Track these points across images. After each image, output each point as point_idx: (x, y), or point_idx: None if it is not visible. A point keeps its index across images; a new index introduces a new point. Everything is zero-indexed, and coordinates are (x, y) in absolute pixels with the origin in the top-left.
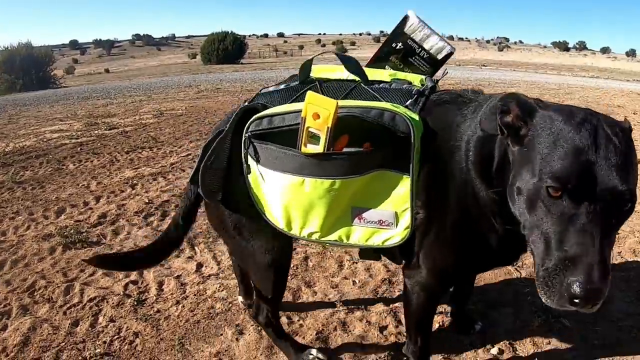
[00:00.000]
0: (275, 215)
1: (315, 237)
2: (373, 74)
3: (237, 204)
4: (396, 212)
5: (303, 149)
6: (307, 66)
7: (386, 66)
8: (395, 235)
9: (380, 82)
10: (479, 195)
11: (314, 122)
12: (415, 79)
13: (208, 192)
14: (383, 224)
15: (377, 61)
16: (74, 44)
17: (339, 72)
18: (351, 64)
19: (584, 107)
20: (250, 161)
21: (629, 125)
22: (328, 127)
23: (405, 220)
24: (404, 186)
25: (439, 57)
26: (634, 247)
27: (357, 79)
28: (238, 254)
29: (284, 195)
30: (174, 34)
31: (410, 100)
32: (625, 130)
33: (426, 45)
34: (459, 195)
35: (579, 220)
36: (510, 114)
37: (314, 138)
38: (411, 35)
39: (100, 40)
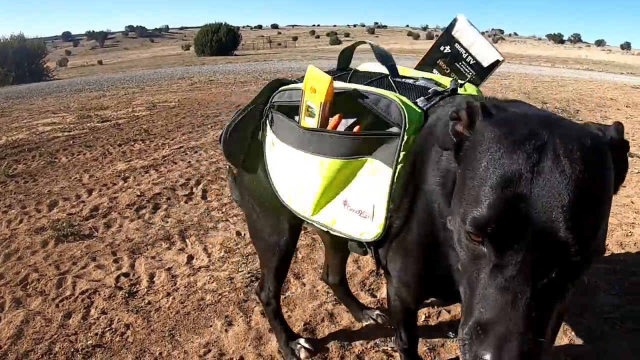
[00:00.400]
0: (280, 189)
1: (307, 214)
2: (407, 72)
3: (255, 172)
4: (374, 205)
5: (302, 123)
6: (346, 54)
7: (433, 70)
8: (371, 229)
9: (407, 77)
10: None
11: (311, 96)
12: (446, 81)
13: (229, 154)
14: (362, 213)
15: (425, 64)
16: (66, 36)
17: (411, 73)
18: (384, 57)
19: (543, 112)
20: (268, 130)
21: (612, 136)
22: (321, 102)
23: (379, 216)
24: (385, 180)
25: (485, 64)
26: (621, 239)
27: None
28: (250, 227)
29: (286, 167)
30: (167, 26)
31: (422, 98)
32: (595, 147)
33: (472, 51)
34: (428, 210)
35: (500, 275)
36: (460, 122)
37: (312, 113)
38: (459, 40)
39: (93, 31)
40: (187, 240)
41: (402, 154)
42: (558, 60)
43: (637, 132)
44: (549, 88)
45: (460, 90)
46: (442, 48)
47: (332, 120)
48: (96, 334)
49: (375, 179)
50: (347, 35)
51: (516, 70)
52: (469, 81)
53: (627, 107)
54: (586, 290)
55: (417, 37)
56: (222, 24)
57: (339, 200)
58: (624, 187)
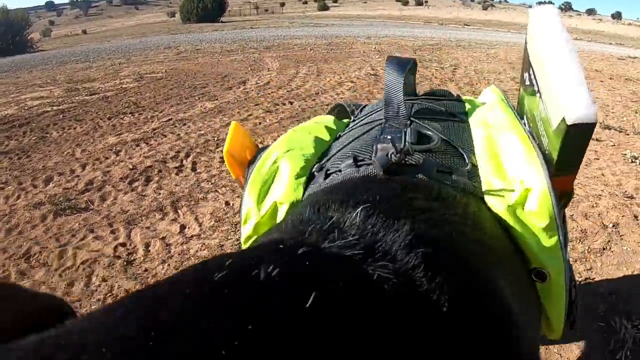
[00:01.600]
0: None
1: None
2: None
3: None
4: None
5: None
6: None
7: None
8: None
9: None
10: None
11: None
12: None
13: None
14: None
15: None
16: (49, 6)
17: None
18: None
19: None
20: None
21: None
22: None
23: None
24: None
25: (553, 124)
26: (587, 210)
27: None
28: None
29: None
30: None
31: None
32: None
33: (544, 93)
34: None
35: None
36: None
37: None
38: (532, 66)
39: (77, 0)
40: (179, 210)
41: None
42: None
43: (617, 104)
44: None
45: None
46: (524, 74)
47: None
48: (98, 300)
49: None
50: (335, 0)
51: (503, 39)
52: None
53: (610, 79)
54: None
55: (405, 3)
56: None
57: None
58: (597, 159)
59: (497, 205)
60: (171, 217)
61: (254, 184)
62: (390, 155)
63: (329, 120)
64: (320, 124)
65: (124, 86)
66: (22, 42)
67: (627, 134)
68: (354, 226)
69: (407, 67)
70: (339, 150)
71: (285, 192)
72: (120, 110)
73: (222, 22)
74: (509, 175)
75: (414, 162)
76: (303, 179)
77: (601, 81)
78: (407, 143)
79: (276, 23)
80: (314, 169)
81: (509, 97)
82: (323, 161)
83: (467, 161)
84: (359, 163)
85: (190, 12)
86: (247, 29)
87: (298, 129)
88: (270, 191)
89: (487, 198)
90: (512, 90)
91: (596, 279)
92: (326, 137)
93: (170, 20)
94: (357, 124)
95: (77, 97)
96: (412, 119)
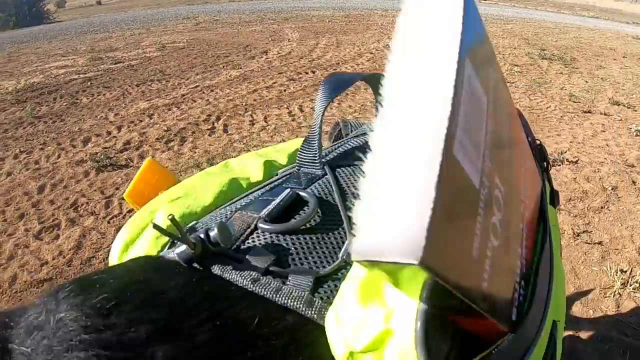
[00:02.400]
0: None
1: None
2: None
3: None
4: None
5: None
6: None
7: None
8: None
9: None
10: None
11: None
12: None
13: None
14: None
15: None
16: None
17: None
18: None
19: None
20: None
21: None
22: None
23: None
24: None
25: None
26: (589, 174)
27: None
28: None
29: None
30: None
31: None
32: None
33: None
34: None
35: None
36: None
37: None
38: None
39: None
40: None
41: None
42: (565, 5)
43: (627, 82)
44: (550, 34)
45: None
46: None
47: None
48: None
49: None
50: None
51: (519, 15)
52: None
53: (624, 57)
54: None
55: None
56: None
57: None
58: (603, 132)
59: (337, 347)
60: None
61: (129, 227)
62: (215, 238)
63: (290, 148)
64: (265, 158)
65: (147, 55)
66: (38, 13)
67: (635, 110)
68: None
69: (337, 91)
70: (222, 209)
71: (144, 251)
72: (147, 78)
73: None
74: (387, 299)
75: (237, 257)
76: (163, 241)
77: (614, 59)
78: (259, 219)
79: None
80: (186, 228)
81: (524, 71)
82: (205, 219)
83: (339, 258)
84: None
85: None
86: (264, 0)
87: (213, 172)
88: (136, 244)
89: (328, 331)
90: (526, 66)
91: (593, 232)
92: (258, 176)
93: None
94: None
95: (102, 66)
96: (327, 167)
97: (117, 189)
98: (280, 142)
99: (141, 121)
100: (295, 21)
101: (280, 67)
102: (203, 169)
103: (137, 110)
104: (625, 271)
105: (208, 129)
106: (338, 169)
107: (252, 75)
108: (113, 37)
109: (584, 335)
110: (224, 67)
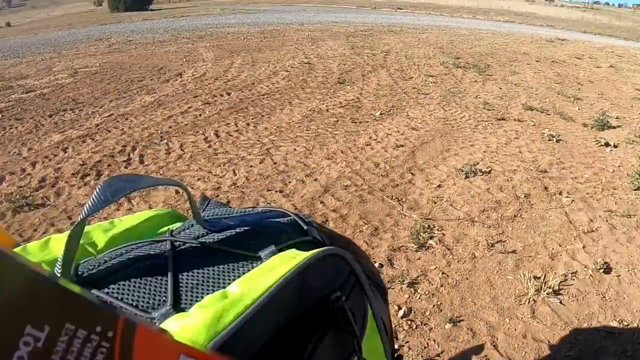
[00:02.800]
0: None
1: None
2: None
3: None
4: None
5: None
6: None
7: None
8: None
9: None
10: None
11: None
12: None
13: None
14: None
15: None
16: None
17: None
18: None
19: None
20: None
21: None
22: None
23: None
24: None
25: None
26: (502, 184)
27: None
28: None
29: None
30: None
31: None
32: None
33: None
34: None
35: None
36: None
37: None
38: None
39: None
40: (132, 201)
41: None
42: (480, 11)
43: (541, 86)
44: (465, 42)
45: None
46: None
47: None
48: None
49: None
50: None
51: (435, 23)
52: None
53: (537, 61)
54: None
55: None
56: None
57: None
58: (517, 138)
59: None
60: (126, 207)
61: None
62: None
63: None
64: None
65: (59, 82)
66: None
67: (548, 114)
68: None
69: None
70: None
71: None
72: (60, 108)
73: (151, 10)
74: None
75: None
76: None
77: (528, 64)
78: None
79: (206, 10)
80: None
81: (439, 81)
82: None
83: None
84: None
85: (118, 0)
86: (177, 18)
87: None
88: None
89: None
90: (441, 75)
91: (507, 241)
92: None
93: (97, 9)
94: None
95: (13, 96)
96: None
97: (35, 230)
98: (198, 170)
99: (55, 155)
100: (210, 39)
101: (195, 90)
102: (120, 204)
103: (51, 144)
104: (539, 277)
105: (124, 161)
106: None
107: (166, 100)
108: (23, 62)
109: (500, 345)
110: (137, 92)
